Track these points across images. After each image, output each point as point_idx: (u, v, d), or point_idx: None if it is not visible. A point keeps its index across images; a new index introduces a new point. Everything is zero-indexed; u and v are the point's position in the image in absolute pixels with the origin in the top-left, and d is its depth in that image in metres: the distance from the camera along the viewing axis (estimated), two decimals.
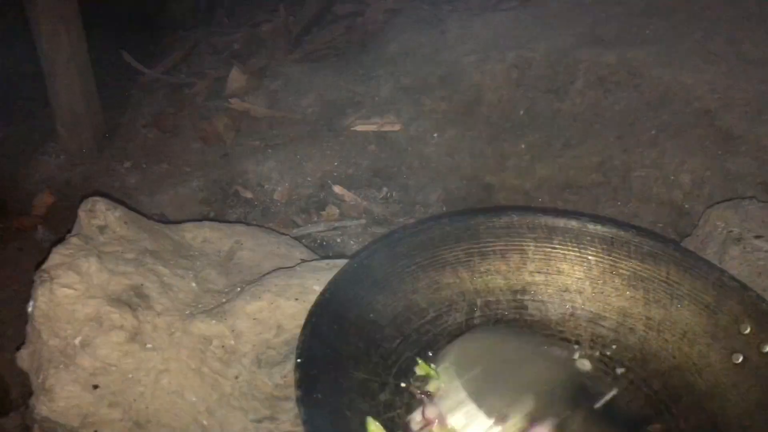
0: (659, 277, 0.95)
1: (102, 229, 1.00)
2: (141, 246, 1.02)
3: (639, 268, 0.96)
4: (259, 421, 0.86)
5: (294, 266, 1.06)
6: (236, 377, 0.88)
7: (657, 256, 0.95)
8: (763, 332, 0.85)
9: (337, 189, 1.55)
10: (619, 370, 0.93)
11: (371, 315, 0.94)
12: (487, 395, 0.81)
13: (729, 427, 0.83)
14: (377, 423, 0.84)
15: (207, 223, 1.22)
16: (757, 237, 1.02)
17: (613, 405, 0.85)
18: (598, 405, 0.84)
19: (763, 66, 1.50)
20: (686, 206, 1.36)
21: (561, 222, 0.99)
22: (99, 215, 1.01)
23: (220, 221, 1.26)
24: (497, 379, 0.83)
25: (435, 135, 1.64)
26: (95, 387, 0.87)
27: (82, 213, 1.01)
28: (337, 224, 1.47)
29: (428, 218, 1.43)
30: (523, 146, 1.57)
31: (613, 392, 0.87)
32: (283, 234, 1.30)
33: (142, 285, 0.95)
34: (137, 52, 1.99)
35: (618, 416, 0.84)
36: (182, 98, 1.84)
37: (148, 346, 0.90)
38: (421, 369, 0.89)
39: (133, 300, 0.92)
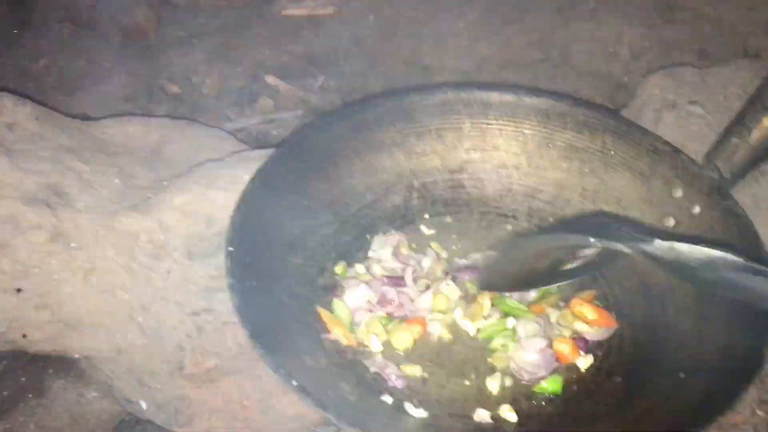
0: (594, 147, 0.94)
1: (11, 126, 0.93)
2: (57, 143, 0.96)
3: (574, 138, 0.95)
4: (196, 313, 0.84)
5: (224, 158, 1.02)
6: (168, 271, 0.85)
7: (592, 125, 0.94)
8: (694, 195, 0.87)
9: (270, 79, 1.48)
10: None
11: (305, 201, 0.92)
12: None
13: (657, 290, 0.86)
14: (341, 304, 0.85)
15: (130, 118, 1.16)
16: (691, 102, 1.02)
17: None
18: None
19: None
20: (625, 78, 1.34)
21: (496, 96, 0.97)
22: (6, 111, 0.93)
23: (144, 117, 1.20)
24: None
25: (370, 17, 1.57)
26: (18, 290, 0.83)
27: None
28: (272, 116, 1.42)
29: (360, 99, 1.38)
30: (461, 25, 1.52)
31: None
32: (213, 127, 1.24)
33: (60, 183, 0.89)
34: None
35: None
36: None
37: (72, 245, 0.86)
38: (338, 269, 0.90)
39: (51, 199, 0.87)
